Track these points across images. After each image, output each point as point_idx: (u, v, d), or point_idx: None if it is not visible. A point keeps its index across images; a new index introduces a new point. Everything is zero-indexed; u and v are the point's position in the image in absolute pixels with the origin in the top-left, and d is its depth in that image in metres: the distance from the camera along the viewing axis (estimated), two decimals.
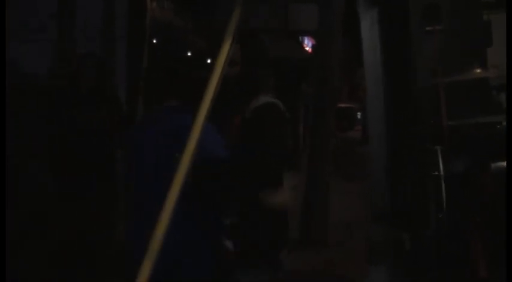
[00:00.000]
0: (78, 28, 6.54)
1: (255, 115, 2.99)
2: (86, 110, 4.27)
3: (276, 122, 3.04)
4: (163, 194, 1.85)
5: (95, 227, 4.18)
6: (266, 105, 3.09)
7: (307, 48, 14.12)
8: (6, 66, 4.03)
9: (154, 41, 7.12)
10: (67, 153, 4.24)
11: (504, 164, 3.45)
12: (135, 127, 3.20)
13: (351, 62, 21.10)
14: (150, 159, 2.34)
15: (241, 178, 2.38)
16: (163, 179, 1.96)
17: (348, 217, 6.72)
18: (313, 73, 6.66)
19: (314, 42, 13.66)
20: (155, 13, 8.68)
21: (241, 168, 2.41)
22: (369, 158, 5.41)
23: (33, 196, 4.78)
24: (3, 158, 3.42)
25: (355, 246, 5.64)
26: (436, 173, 3.61)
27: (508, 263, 2.80)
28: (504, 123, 3.76)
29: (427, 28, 4.47)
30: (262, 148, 2.81)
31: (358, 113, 15.48)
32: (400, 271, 3.61)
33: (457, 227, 3.30)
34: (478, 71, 4.23)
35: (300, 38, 14.12)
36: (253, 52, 3.51)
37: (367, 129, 13.57)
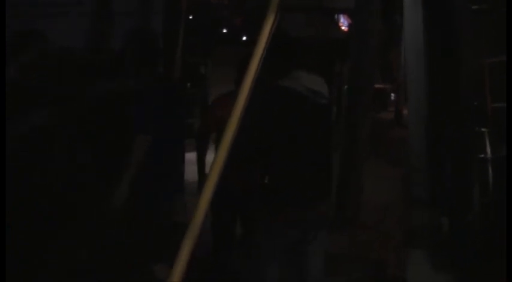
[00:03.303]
0: (115, 3, 6.51)
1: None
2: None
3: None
4: None
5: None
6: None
7: (343, 27, 13.95)
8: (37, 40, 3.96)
9: (191, 17, 7.06)
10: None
11: None
12: None
13: (383, 41, 20.80)
14: None
15: None
16: None
17: (383, 200, 6.63)
18: (350, 53, 6.55)
19: (350, 21, 13.49)
20: None
21: None
22: (403, 140, 5.33)
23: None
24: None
25: (391, 228, 5.58)
26: (483, 155, 3.52)
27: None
28: None
29: (473, 7, 4.33)
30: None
31: (392, 94, 15.26)
32: (438, 255, 3.53)
33: (502, 212, 3.20)
34: None
35: (336, 16, 13.95)
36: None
37: (401, 111, 13.43)
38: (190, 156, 4.82)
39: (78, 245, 3.99)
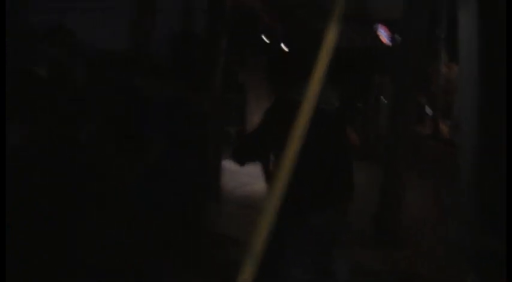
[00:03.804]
0: (157, 5, 6.46)
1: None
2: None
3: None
4: None
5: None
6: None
7: (382, 38, 13.79)
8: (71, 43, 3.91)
9: (233, 23, 7.00)
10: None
11: None
12: None
13: (423, 53, 20.59)
14: None
15: None
16: None
17: (423, 216, 6.47)
18: (394, 64, 6.42)
19: (389, 32, 13.34)
20: None
21: None
22: (442, 155, 5.20)
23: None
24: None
25: (431, 246, 5.43)
26: None
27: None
28: None
29: None
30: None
31: (426, 107, 14.98)
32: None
33: None
34: None
35: (375, 26, 13.81)
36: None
37: (438, 125, 13.20)
38: (227, 165, 4.72)
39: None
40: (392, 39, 13.03)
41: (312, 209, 3.24)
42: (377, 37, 13.58)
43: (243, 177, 7.83)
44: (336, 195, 3.36)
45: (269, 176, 3.47)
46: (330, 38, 1.96)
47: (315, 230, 3.26)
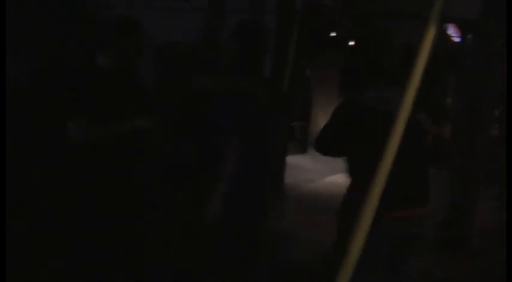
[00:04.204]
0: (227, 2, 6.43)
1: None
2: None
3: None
4: None
5: None
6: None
7: (453, 38, 13.49)
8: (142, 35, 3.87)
9: (303, 18, 6.90)
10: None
11: None
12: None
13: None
14: None
15: None
16: None
17: (495, 223, 6.26)
18: (470, 65, 6.22)
19: (459, 32, 13.01)
20: None
21: None
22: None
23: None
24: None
25: (503, 254, 5.24)
26: None
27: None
28: None
29: None
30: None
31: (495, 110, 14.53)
32: None
33: None
34: None
35: (445, 26, 13.52)
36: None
37: (504, 128, 12.82)
38: (291, 160, 4.64)
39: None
40: (462, 38, 12.73)
41: (391, 210, 3.15)
42: (447, 36, 13.29)
43: (307, 174, 7.78)
44: (415, 198, 3.27)
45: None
46: (429, 38, 1.89)
47: (388, 231, 3.18)
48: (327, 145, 3.41)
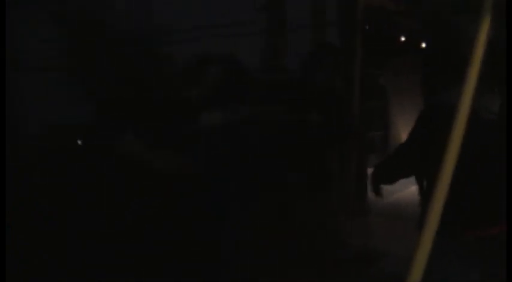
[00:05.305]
0: (288, 19, 6.41)
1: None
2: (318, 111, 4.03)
3: None
4: None
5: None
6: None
7: None
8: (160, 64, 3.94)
9: (367, 27, 6.77)
10: None
11: None
12: None
13: None
14: None
15: None
16: None
17: None
18: None
19: None
20: None
21: None
22: None
23: None
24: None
25: None
26: None
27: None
28: None
29: None
30: None
31: None
32: None
33: None
34: None
35: None
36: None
37: None
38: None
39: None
40: None
41: (466, 227, 2.96)
42: None
43: (390, 186, 7.55)
44: (493, 213, 3.00)
45: (425, 194, 3.21)
46: (483, 30, 1.76)
47: (466, 246, 3.00)
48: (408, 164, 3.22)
